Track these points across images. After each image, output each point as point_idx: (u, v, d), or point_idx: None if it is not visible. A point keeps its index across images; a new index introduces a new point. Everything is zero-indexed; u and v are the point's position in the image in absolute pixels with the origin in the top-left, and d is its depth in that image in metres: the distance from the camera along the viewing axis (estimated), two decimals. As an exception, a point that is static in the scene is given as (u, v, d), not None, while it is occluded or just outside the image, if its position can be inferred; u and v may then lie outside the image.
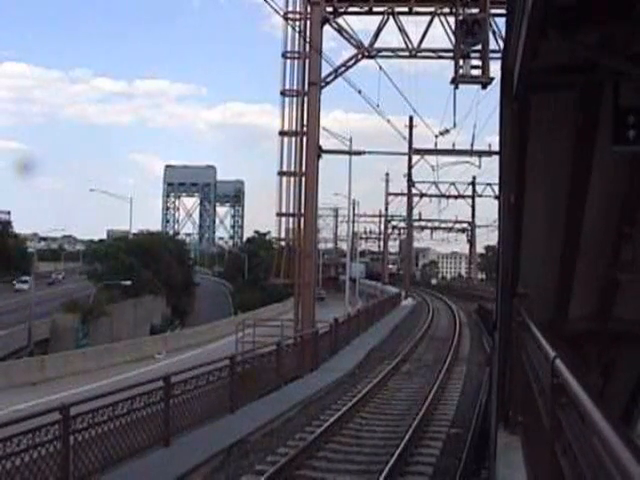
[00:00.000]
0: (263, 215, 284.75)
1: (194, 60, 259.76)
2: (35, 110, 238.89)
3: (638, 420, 8.50)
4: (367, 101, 31.04)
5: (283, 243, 33.85)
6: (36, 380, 29.36)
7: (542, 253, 7.68)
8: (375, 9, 29.10)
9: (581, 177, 6.84)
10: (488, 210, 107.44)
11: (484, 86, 24.31)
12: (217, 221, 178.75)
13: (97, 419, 10.57)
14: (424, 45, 29.27)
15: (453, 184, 76.67)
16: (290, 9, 29.32)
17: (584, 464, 2.54)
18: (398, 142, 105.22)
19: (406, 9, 28.96)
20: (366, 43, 29.71)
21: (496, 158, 11.53)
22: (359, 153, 39.83)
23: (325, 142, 33.04)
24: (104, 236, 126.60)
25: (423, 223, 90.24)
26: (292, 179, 30.07)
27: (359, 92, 30.24)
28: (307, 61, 29.50)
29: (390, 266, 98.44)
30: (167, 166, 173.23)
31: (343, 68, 30.04)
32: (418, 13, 28.98)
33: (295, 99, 29.79)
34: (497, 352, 7.77)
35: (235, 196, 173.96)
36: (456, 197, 78.77)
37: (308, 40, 28.46)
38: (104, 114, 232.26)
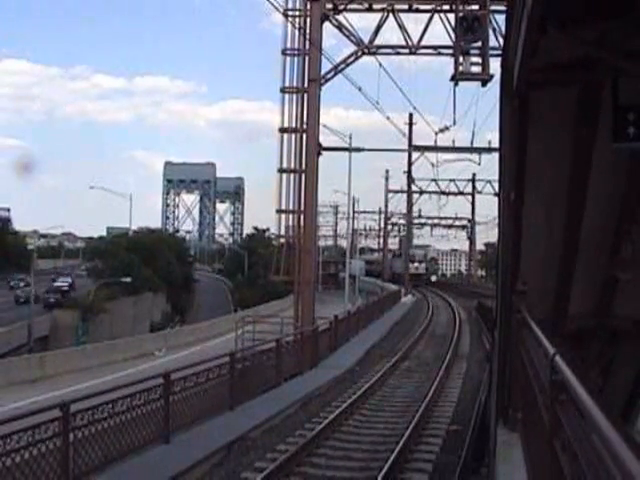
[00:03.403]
0: (263, 212, 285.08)
1: (194, 57, 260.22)
2: (35, 107, 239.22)
3: (637, 417, 8.51)
4: (367, 98, 30.99)
5: (283, 240, 33.82)
6: (36, 377, 29.33)
7: (542, 250, 7.67)
8: (375, 6, 29.04)
9: (581, 174, 6.83)
10: (488, 207, 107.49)
11: (484, 83, 24.24)
12: (217, 218, 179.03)
13: (97, 416, 10.58)
14: (424, 42, 29.20)
15: (453, 181, 76.69)
16: (290, 6, 29.27)
17: (583, 461, 2.55)
18: (398, 139, 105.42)
19: (406, 6, 28.91)
20: (366, 40, 29.65)
21: (496, 155, 11.50)
22: (359, 150, 39.73)
23: (325, 139, 33.10)
24: (104, 233, 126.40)
25: (423, 220, 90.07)
26: (292, 176, 30.04)
27: (359, 89, 30.20)
28: (307, 58, 29.43)
29: (416, 265, 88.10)
30: (167, 163, 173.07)
31: (343, 65, 29.98)
32: (418, 10, 28.94)
33: (295, 96, 29.74)
34: (497, 349, 7.77)
35: (235, 193, 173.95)
36: (456, 194, 78.75)
37: (308, 37, 28.42)
38: (104, 111, 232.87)
